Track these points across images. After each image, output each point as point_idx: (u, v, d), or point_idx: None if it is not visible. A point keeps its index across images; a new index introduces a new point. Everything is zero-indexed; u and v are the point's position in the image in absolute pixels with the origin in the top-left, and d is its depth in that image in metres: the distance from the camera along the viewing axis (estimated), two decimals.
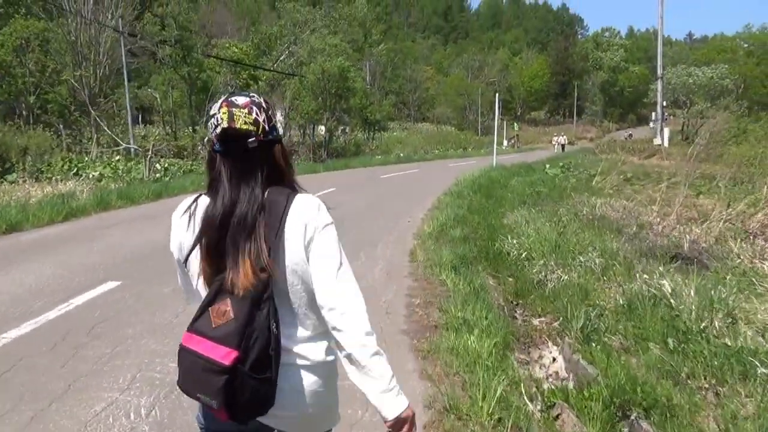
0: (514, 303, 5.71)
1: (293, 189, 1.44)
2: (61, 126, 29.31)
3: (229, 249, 1.32)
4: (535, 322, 5.17)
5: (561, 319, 4.89)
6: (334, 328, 1.34)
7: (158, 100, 32.50)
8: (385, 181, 18.44)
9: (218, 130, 1.34)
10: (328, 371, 1.44)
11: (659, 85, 37.92)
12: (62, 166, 18.37)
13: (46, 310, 4.69)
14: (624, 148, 37.22)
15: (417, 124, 64.50)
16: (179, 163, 23.94)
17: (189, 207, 1.44)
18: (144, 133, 38.99)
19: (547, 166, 22.81)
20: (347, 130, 36.61)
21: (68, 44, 26.58)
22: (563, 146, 43.94)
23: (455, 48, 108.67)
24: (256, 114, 1.36)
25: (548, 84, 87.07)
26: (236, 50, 29.13)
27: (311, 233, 1.36)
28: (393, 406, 1.33)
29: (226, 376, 1.22)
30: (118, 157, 23.24)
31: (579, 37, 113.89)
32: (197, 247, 1.37)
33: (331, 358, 1.44)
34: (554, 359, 4.46)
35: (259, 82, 30.93)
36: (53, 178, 16.21)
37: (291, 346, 1.37)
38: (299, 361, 1.38)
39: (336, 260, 1.36)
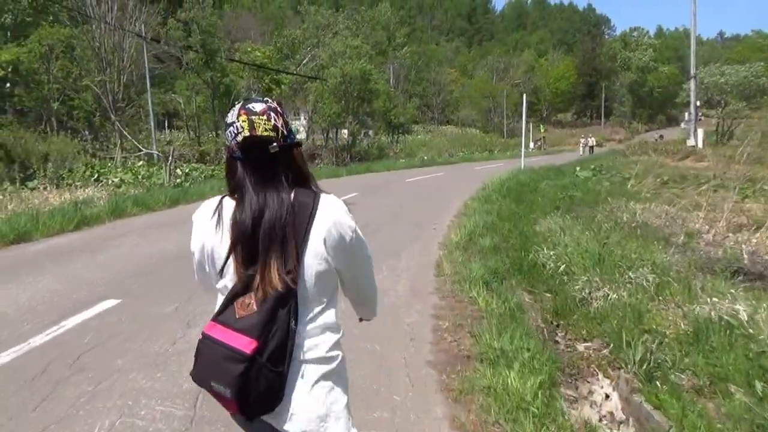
0: (555, 324, 5.08)
1: (317, 190, 1.47)
2: (87, 132, 29.57)
3: (260, 252, 1.37)
4: (581, 347, 4.53)
5: (611, 345, 4.26)
6: (362, 303, 1.70)
7: (182, 105, 32.49)
8: (409, 185, 17.87)
9: (239, 138, 1.38)
10: (333, 367, 1.46)
11: (692, 84, 36.70)
12: (84, 172, 18.26)
13: (34, 334, 4.23)
14: (656, 149, 35.97)
15: (441, 127, 63.92)
16: (201, 168, 23.76)
17: (216, 210, 1.45)
18: (169, 138, 39.32)
19: (578, 168, 21.95)
20: (370, 134, 36.18)
21: (93, 50, 26.70)
22: (591, 148, 42.58)
23: (479, 50, 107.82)
24: (275, 120, 1.40)
25: (575, 85, 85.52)
26: (259, 54, 28.90)
27: (338, 236, 1.42)
28: (372, 315, 1.76)
29: (245, 364, 1.29)
30: (140, 163, 23.20)
31: (606, 37, 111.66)
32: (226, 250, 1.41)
33: (335, 353, 1.47)
34: (607, 396, 3.83)
35: (282, 86, 30.71)
36: (73, 184, 16.05)
37: (300, 341, 1.41)
38: (307, 356, 1.42)
39: (369, 261, 1.58)
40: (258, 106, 1.39)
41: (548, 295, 5.83)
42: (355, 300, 1.68)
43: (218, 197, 1.47)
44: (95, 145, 30.51)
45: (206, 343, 1.37)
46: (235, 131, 1.38)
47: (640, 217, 9.13)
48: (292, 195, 1.40)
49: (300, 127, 36.16)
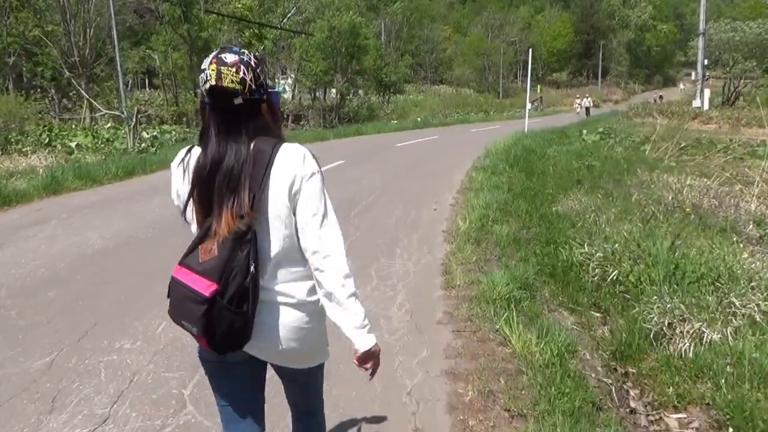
0: (620, 370, 3.51)
1: (280, 139, 1.51)
2: (53, 91, 27.30)
3: (215, 198, 1.43)
4: (672, 421, 2.97)
5: (730, 423, 2.72)
6: (316, 269, 1.46)
7: (157, 62, 30.12)
8: (402, 151, 16.08)
9: (206, 86, 1.42)
10: (311, 309, 1.52)
11: (701, 41, 34.71)
12: (40, 135, 16.33)
13: None
14: (661, 111, 34.25)
15: (434, 87, 61.61)
16: (176, 130, 21.78)
17: (183, 158, 1.52)
18: (147, 97, 36.91)
19: (584, 132, 20.22)
20: (360, 93, 34.02)
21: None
22: (588, 109, 39.17)
23: (474, 6, 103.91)
24: (243, 73, 1.41)
25: (571, 44, 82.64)
26: (239, 6, 26.45)
27: (298, 183, 1.44)
28: (365, 340, 1.47)
29: (206, 306, 1.36)
30: (108, 125, 21.20)
31: None
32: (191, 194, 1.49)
33: (314, 297, 1.51)
34: None
35: (265, 41, 28.37)
36: (21, 150, 14.18)
37: (273, 285, 1.48)
38: (281, 299, 1.49)
39: (321, 208, 1.46)
40: (230, 58, 1.41)
41: (597, 315, 4.27)
42: (316, 261, 1.46)
43: (189, 146, 1.54)
44: (63, 105, 28.37)
45: (174, 285, 1.45)
46: (205, 78, 1.41)
47: (686, 196, 7.52)
48: (253, 144, 1.44)
49: (286, 86, 33.91)
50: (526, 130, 19.00)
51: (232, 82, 1.39)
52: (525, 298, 4.08)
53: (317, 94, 33.72)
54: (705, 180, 9.34)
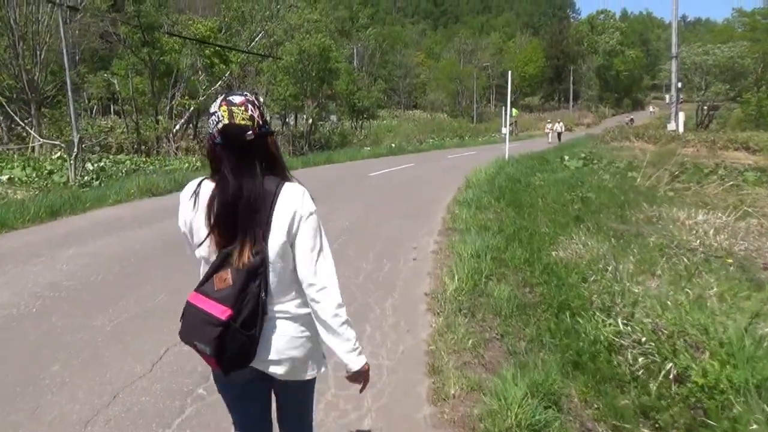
0: None
1: (284, 177, 1.67)
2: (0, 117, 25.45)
3: (238, 230, 1.59)
4: None
5: None
6: (312, 300, 1.65)
7: (116, 86, 28.50)
8: (375, 182, 14.76)
9: (220, 126, 1.57)
10: (306, 321, 1.69)
11: (674, 64, 34.58)
12: None
13: None
14: (637, 135, 33.83)
15: (408, 112, 60.97)
16: (131, 160, 20.17)
17: (195, 191, 1.66)
18: (111, 124, 35.10)
19: (566, 157, 19.26)
20: (333, 119, 32.80)
21: (2, 21, 22.56)
22: (559, 135, 36.75)
23: (446, 32, 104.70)
24: (251, 110, 1.59)
25: (543, 69, 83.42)
26: (201, 27, 25.12)
27: (297, 221, 1.62)
28: (357, 362, 1.68)
29: (221, 329, 1.51)
30: (58, 154, 19.52)
31: (571, 20, 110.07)
32: (207, 224, 1.62)
33: (306, 310, 1.68)
34: None
35: (231, 65, 27.00)
36: None
37: (272, 306, 1.65)
38: (279, 315, 1.66)
39: (317, 245, 1.64)
40: (237, 99, 1.59)
41: None
42: (312, 293, 1.65)
43: (199, 179, 1.67)
44: (16, 132, 26.51)
45: (190, 309, 1.59)
46: (217, 120, 1.57)
47: (710, 237, 6.33)
48: (263, 183, 1.60)
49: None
50: (506, 156, 17.86)
51: (243, 119, 1.56)
52: (553, 421, 2.75)
53: (288, 120, 32.43)
54: (717, 213, 8.24)
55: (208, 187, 1.61)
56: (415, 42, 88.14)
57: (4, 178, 13.05)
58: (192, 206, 1.63)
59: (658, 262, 5.32)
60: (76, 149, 13.32)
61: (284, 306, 1.65)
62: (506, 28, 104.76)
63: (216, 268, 1.57)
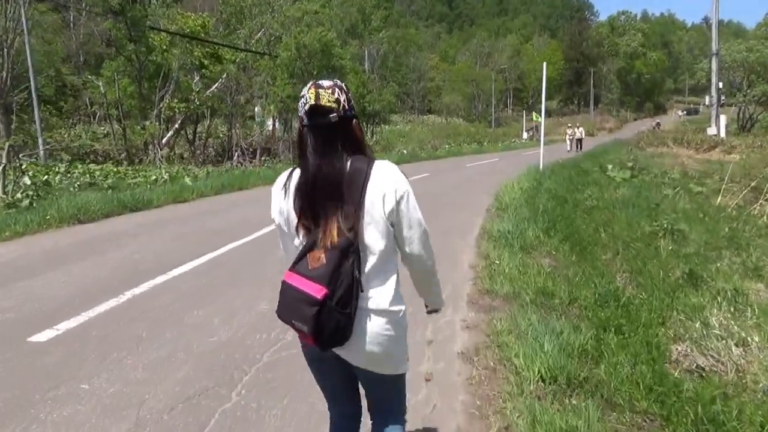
0: None
1: (371, 158, 1.64)
2: None
3: (319, 211, 1.57)
4: None
5: None
6: (418, 269, 1.74)
7: (101, 89, 25.96)
8: None
9: (307, 107, 1.58)
10: (394, 319, 1.65)
11: (714, 62, 31.38)
12: None
13: None
14: (676, 140, 30.60)
15: (422, 116, 58.17)
16: (103, 170, 17.44)
17: (284, 183, 1.67)
18: (107, 131, 32.70)
19: (609, 167, 16.20)
20: None
21: None
22: (580, 141, 32.70)
23: (461, 35, 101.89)
24: (338, 94, 1.59)
25: (562, 71, 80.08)
26: (190, 22, 22.47)
27: (394, 198, 1.59)
28: (440, 303, 1.94)
29: (317, 307, 1.50)
30: (24, 165, 16.95)
31: (590, 22, 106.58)
32: (294, 209, 1.63)
33: (396, 308, 1.65)
34: None
35: (225, 63, 24.31)
36: None
37: (366, 293, 1.61)
38: (371, 305, 1.62)
39: (417, 220, 1.65)
40: (326, 83, 1.59)
41: None
42: (416, 273, 1.76)
43: (290, 169, 1.69)
44: None
45: (286, 288, 1.59)
46: (305, 101, 1.58)
47: None
48: (349, 162, 1.58)
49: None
50: (541, 166, 14.85)
51: (329, 101, 1.56)
52: None
53: (291, 123, 29.70)
54: None
55: (297, 174, 1.64)
56: (429, 45, 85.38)
57: None
58: (284, 195, 1.66)
59: None
60: (4, 160, 10.61)
61: (377, 294, 1.63)
62: (522, 31, 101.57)
63: (310, 246, 1.58)
